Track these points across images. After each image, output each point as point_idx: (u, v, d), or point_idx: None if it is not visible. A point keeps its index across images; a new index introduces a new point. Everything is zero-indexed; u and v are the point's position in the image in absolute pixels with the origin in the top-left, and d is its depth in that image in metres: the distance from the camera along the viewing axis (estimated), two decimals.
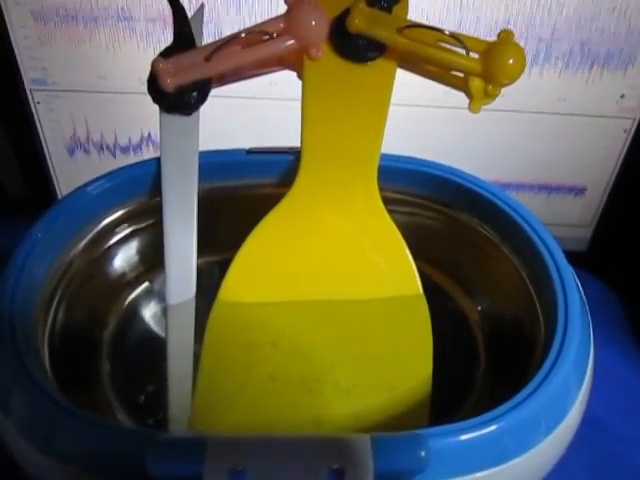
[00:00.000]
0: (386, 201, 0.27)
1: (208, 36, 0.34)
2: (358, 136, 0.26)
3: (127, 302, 0.30)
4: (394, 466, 0.17)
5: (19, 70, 0.37)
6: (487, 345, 0.28)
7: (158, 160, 0.27)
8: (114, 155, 0.41)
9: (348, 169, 0.26)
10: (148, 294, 0.30)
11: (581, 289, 0.24)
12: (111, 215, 0.28)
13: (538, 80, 0.37)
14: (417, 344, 0.26)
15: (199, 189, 0.27)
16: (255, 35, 0.23)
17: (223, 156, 0.29)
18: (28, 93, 0.38)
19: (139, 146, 0.40)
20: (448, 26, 0.23)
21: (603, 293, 0.41)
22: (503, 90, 0.22)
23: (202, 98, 0.25)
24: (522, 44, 0.22)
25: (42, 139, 0.40)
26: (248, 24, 0.24)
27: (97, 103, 0.38)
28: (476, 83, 0.23)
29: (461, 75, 0.23)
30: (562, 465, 0.22)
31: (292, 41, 0.23)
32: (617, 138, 0.39)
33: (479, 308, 0.30)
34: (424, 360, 0.25)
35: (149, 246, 0.30)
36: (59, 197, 0.43)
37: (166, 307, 0.27)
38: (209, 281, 0.28)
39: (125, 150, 0.40)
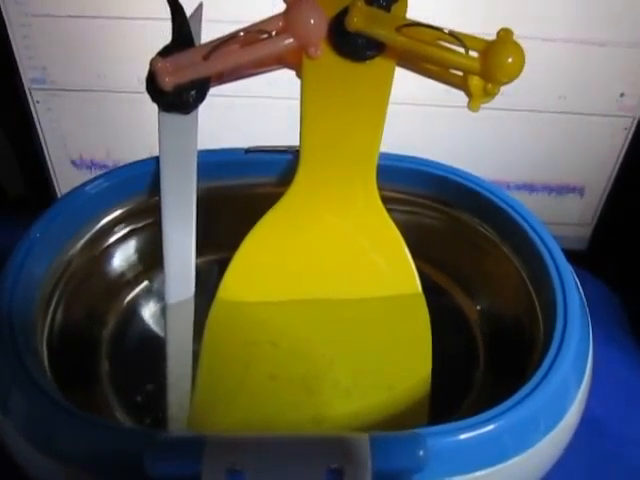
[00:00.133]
0: (386, 200, 0.27)
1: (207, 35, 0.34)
2: (357, 135, 0.26)
3: (126, 301, 0.30)
4: (393, 465, 0.17)
5: (18, 69, 0.37)
6: (486, 344, 0.28)
7: (157, 159, 0.27)
8: (114, 155, 0.41)
9: (347, 168, 0.26)
10: (147, 293, 0.30)
11: (580, 288, 0.24)
12: (110, 214, 0.28)
13: (537, 79, 0.37)
14: (416, 343, 0.26)
15: (198, 188, 0.27)
16: (254, 34, 0.23)
17: (222, 155, 0.29)
18: (27, 92, 0.38)
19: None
20: (447, 25, 0.23)
21: (603, 292, 0.41)
22: (502, 88, 0.22)
23: (201, 97, 0.25)
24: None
25: (41, 138, 0.40)
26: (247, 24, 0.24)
27: (96, 102, 0.38)
28: (475, 82, 0.23)
29: (460, 74, 0.23)
30: (561, 464, 0.22)
31: (291, 40, 0.23)
32: (617, 136, 0.39)
33: (478, 307, 0.30)
34: (423, 359, 0.25)
35: (148, 245, 0.30)
36: (59, 196, 0.43)
37: (165, 306, 0.27)
38: (208, 280, 0.28)
39: (125, 150, 0.40)
